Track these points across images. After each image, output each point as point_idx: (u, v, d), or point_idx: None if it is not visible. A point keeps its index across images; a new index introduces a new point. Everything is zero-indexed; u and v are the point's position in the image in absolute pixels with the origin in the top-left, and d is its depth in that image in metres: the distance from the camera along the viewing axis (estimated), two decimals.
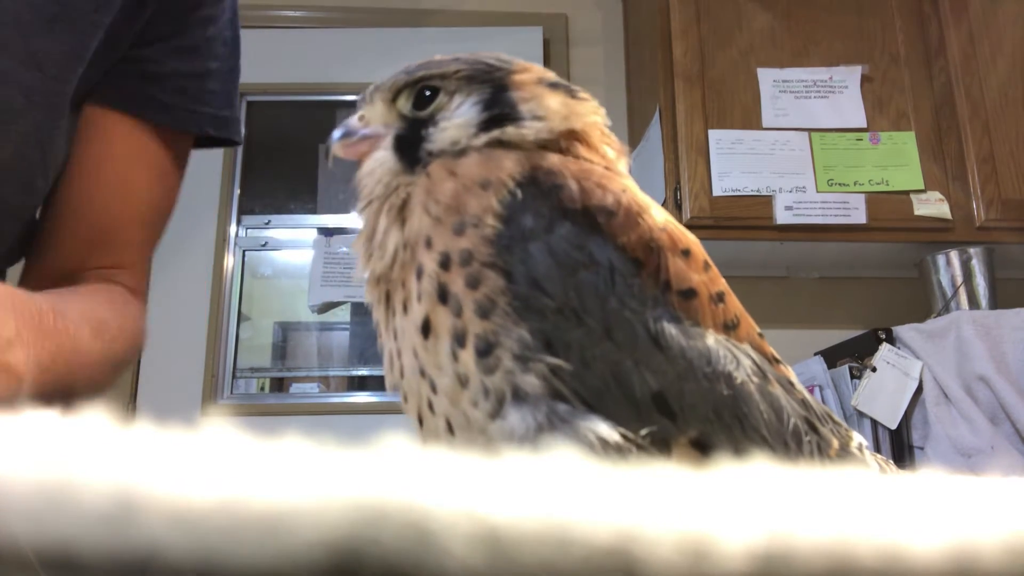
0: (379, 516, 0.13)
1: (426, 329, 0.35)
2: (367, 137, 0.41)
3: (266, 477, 0.13)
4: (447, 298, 0.34)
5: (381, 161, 0.40)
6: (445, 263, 0.34)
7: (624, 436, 0.31)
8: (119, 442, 0.14)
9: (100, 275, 0.75)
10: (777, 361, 0.38)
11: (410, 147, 0.39)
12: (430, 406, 0.36)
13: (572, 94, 0.41)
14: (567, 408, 0.32)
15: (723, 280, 0.37)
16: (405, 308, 0.36)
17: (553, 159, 0.37)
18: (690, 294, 0.34)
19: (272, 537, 0.12)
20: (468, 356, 0.33)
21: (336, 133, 0.41)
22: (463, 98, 0.39)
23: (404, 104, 0.41)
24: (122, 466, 0.13)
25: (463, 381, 0.34)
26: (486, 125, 0.38)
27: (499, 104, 0.39)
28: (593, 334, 0.32)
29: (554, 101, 0.39)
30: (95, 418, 0.15)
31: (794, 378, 0.38)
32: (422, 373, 0.36)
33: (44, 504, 0.13)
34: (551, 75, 0.41)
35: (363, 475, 0.13)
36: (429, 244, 0.35)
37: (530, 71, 0.41)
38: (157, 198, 0.80)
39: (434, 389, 0.35)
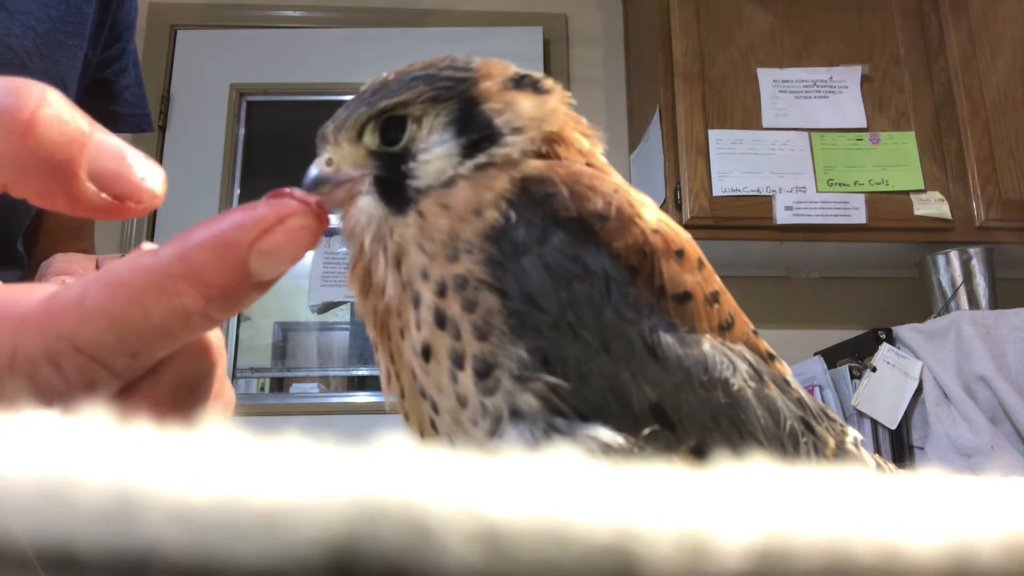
0: (378, 514, 0.13)
1: (426, 354, 0.34)
2: (341, 183, 0.37)
3: (265, 475, 0.13)
4: (445, 323, 0.33)
5: (367, 210, 0.37)
6: (442, 291, 0.34)
7: (630, 439, 0.31)
8: (118, 440, 0.14)
9: None
10: (772, 357, 0.38)
11: (393, 187, 0.36)
12: (432, 425, 0.36)
13: (539, 89, 0.39)
14: (565, 422, 0.31)
15: (717, 277, 0.37)
16: (402, 334, 0.36)
17: (539, 166, 0.36)
18: (685, 298, 0.34)
19: (271, 534, 0.12)
20: (466, 377, 0.33)
21: (307, 182, 0.38)
22: (432, 121, 0.37)
23: (371, 140, 0.38)
24: (121, 463, 0.13)
25: (462, 401, 0.33)
26: (468, 150, 0.36)
27: (474, 123, 0.36)
28: (590, 348, 0.32)
29: (526, 105, 0.37)
30: (94, 416, 0.15)
31: (789, 374, 0.38)
32: (423, 394, 0.36)
33: (43, 501, 0.13)
34: (512, 69, 0.39)
35: (362, 473, 0.13)
36: (426, 276, 0.34)
37: (492, 75, 0.38)
38: None
39: (436, 409, 0.35)
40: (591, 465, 0.14)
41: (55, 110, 0.26)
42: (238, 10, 2.59)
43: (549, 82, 0.40)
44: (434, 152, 0.36)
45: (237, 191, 2.46)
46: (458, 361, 0.33)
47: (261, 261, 0.27)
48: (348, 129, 0.38)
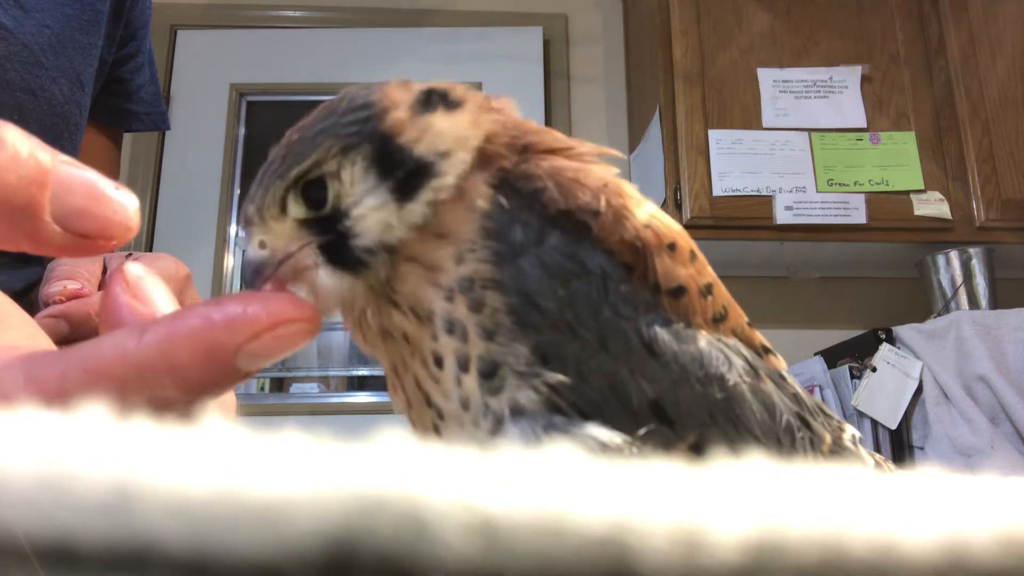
0: (375, 507, 0.13)
1: (438, 362, 0.34)
2: (283, 262, 0.35)
3: (263, 468, 0.13)
4: (453, 328, 0.33)
5: (329, 287, 0.35)
6: (450, 296, 0.33)
7: (626, 439, 0.31)
8: (117, 434, 0.14)
9: None
10: (767, 351, 0.38)
11: (340, 250, 0.35)
12: (435, 430, 0.36)
13: (450, 103, 0.36)
14: (564, 419, 0.31)
15: (709, 268, 0.37)
16: (407, 337, 0.36)
17: (517, 162, 0.35)
18: (679, 292, 0.34)
19: (269, 527, 0.12)
20: (471, 379, 0.33)
21: (245, 271, 0.36)
22: (351, 172, 0.34)
23: (296, 209, 0.35)
24: (120, 457, 0.13)
25: (465, 404, 0.33)
26: (401, 191, 0.34)
27: (395, 161, 0.34)
28: (588, 346, 0.32)
29: (444, 125, 0.35)
30: (93, 411, 0.15)
31: (784, 367, 0.38)
32: (428, 403, 0.36)
33: (41, 495, 0.13)
34: (413, 89, 0.36)
35: (359, 466, 0.13)
36: (438, 286, 0.34)
37: (397, 102, 0.35)
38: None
39: (441, 416, 0.35)
40: (587, 459, 0.14)
41: (9, 152, 0.24)
42: (238, 10, 2.59)
43: (460, 90, 0.37)
44: (366, 204, 0.34)
45: (237, 191, 2.46)
46: (463, 364, 0.33)
47: (247, 360, 0.26)
48: (269, 206, 0.35)
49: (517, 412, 0.31)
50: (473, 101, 0.37)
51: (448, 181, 0.34)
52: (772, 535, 0.13)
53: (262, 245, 0.35)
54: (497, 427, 0.32)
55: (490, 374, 0.32)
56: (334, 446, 0.14)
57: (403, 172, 0.34)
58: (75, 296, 0.51)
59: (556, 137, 0.37)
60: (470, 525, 0.12)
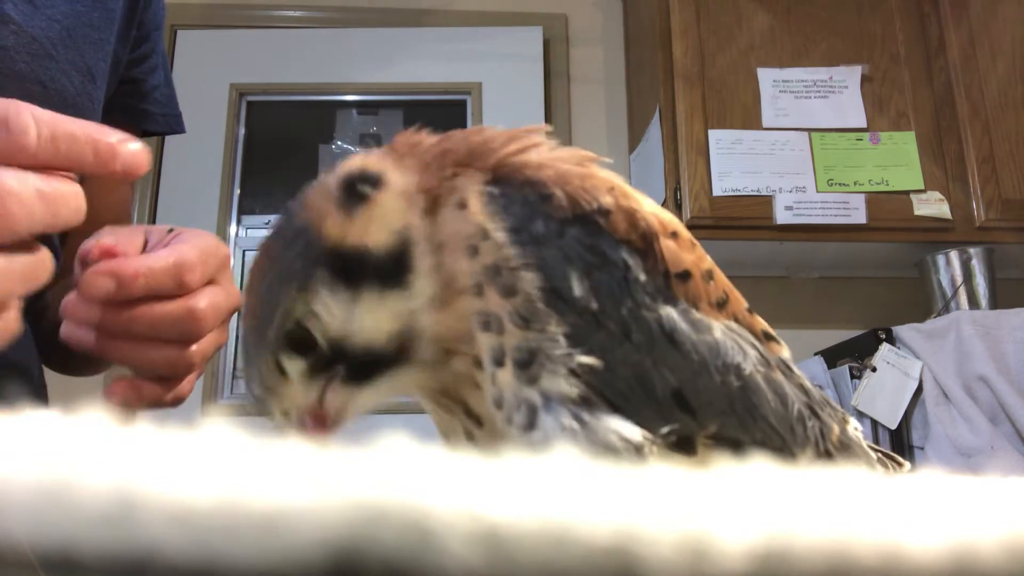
0: (379, 515, 0.13)
1: (477, 364, 0.34)
2: (317, 418, 0.34)
3: (266, 476, 0.13)
4: (489, 322, 0.32)
5: (378, 397, 0.35)
6: (479, 290, 0.33)
7: (648, 436, 0.31)
8: (119, 441, 0.14)
9: None
10: (768, 337, 0.38)
11: (365, 367, 0.34)
12: (469, 436, 0.36)
13: (373, 183, 0.34)
14: (593, 411, 0.32)
15: (708, 257, 0.37)
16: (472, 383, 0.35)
17: (522, 165, 0.35)
18: (685, 276, 0.35)
19: (272, 536, 0.12)
20: (506, 373, 0.32)
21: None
22: (322, 303, 0.33)
23: (294, 365, 0.34)
24: (122, 465, 0.13)
25: (499, 403, 0.33)
26: (382, 285, 0.33)
27: (355, 268, 0.33)
28: (613, 337, 0.32)
29: (381, 212, 0.34)
30: (95, 417, 0.15)
31: (786, 353, 0.39)
32: (467, 413, 0.36)
33: (44, 504, 0.13)
34: (333, 185, 0.34)
35: (363, 474, 0.13)
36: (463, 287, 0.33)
37: (324, 212, 0.33)
38: (131, 191, 0.96)
39: (479, 422, 0.35)
40: (592, 466, 0.14)
41: None
42: (238, 10, 2.59)
43: (373, 163, 0.35)
44: (359, 319, 0.33)
45: (237, 191, 2.46)
46: (498, 359, 0.33)
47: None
48: (268, 379, 0.35)
49: (550, 400, 0.31)
50: (394, 182, 0.35)
51: (429, 262, 0.34)
52: (778, 543, 0.13)
53: (286, 414, 0.35)
54: (530, 420, 0.32)
55: (527, 363, 0.32)
56: (337, 453, 0.14)
57: (373, 274, 0.33)
58: (110, 252, 0.51)
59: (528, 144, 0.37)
60: (475, 534, 0.12)
